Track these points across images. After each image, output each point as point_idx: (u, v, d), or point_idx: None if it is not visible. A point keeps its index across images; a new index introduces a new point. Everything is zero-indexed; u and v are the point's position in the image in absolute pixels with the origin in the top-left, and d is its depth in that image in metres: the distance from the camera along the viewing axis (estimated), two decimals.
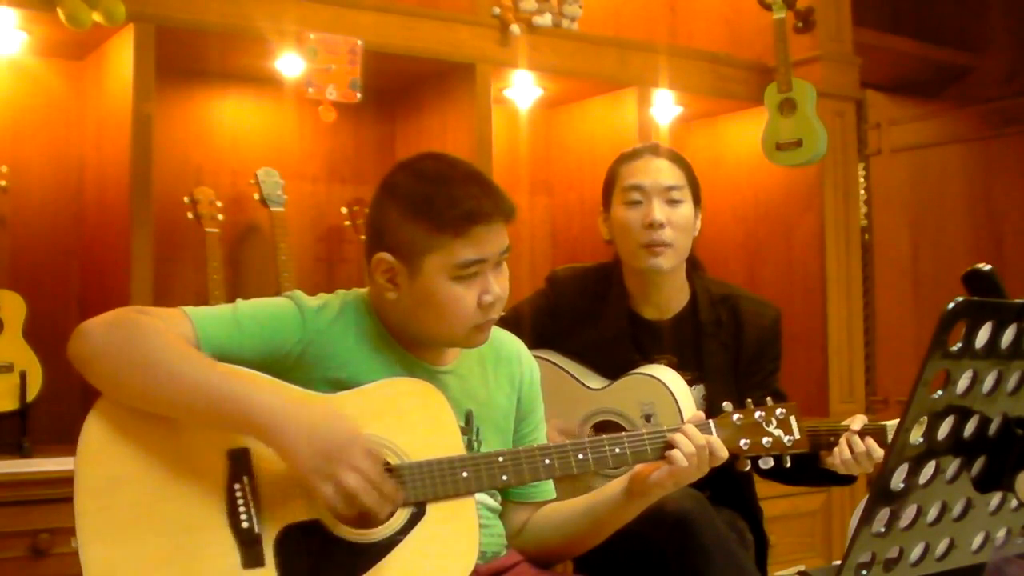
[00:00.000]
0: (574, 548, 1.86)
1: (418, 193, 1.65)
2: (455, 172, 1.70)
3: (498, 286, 1.67)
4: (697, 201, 2.28)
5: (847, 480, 2.08)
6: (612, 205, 2.28)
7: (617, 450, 1.70)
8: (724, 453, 1.73)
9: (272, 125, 3.39)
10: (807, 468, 1.99)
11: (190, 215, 3.04)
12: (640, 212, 2.21)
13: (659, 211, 2.20)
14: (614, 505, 1.77)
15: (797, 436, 1.82)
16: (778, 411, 1.83)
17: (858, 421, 2.01)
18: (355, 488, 1.47)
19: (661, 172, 2.24)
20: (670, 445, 1.71)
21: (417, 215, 1.63)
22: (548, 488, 1.88)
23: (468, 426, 1.76)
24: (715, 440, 1.73)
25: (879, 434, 2.00)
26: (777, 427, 1.81)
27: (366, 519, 1.54)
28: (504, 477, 1.65)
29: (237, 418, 1.50)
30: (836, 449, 1.98)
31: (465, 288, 1.64)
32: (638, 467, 1.73)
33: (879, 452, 1.97)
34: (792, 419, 1.83)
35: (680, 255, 2.24)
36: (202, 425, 1.54)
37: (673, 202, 2.22)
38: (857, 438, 1.98)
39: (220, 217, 3.07)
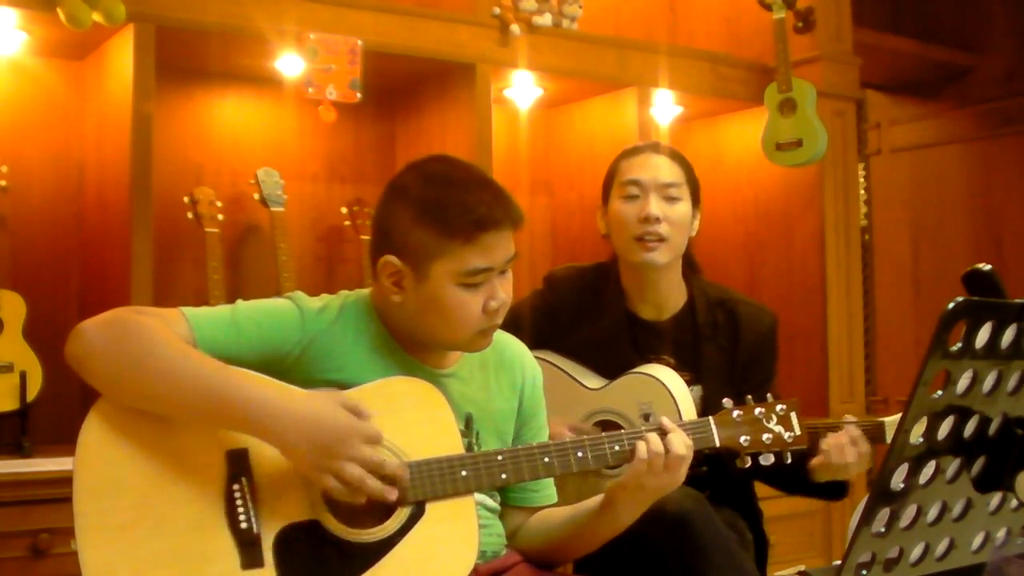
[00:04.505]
0: (560, 555, 1.85)
1: (428, 197, 1.65)
2: (466, 177, 1.69)
3: (503, 292, 1.67)
4: (696, 201, 2.28)
5: (834, 493, 2.09)
6: (610, 199, 2.28)
7: (616, 447, 1.70)
8: (682, 450, 1.68)
9: (272, 125, 3.39)
10: (797, 477, 2.00)
11: (190, 215, 3.04)
12: (636, 206, 2.21)
13: (655, 206, 2.20)
14: (590, 515, 1.76)
15: (798, 432, 1.82)
16: (779, 407, 1.82)
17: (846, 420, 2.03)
18: (357, 478, 1.49)
19: (660, 168, 2.24)
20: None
21: (427, 220, 1.63)
22: (549, 493, 1.88)
23: (468, 429, 1.76)
24: (673, 442, 1.68)
25: (877, 430, 2.01)
26: (778, 423, 1.81)
27: (375, 506, 1.53)
28: (504, 476, 1.65)
29: (235, 415, 1.50)
30: (830, 436, 2.00)
31: (471, 294, 1.64)
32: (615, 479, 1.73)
33: (866, 447, 1.98)
34: (793, 415, 1.83)
35: (675, 251, 2.24)
36: (200, 423, 1.53)
37: (670, 199, 2.22)
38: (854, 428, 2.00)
39: (220, 217, 3.07)
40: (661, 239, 2.19)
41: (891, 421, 2.05)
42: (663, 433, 1.70)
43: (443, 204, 1.63)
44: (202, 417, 1.53)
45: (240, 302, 1.68)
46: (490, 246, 1.63)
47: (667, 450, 1.68)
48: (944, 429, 1.17)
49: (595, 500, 1.77)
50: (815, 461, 2.03)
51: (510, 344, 1.88)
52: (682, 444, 1.69)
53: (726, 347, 2.25)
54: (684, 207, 2.24)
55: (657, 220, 2.19)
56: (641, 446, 1.68)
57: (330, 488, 1.50)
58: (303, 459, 1.49)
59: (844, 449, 2.00)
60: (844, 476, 2.05)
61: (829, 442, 2.00)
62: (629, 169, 2.26)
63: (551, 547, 1.82)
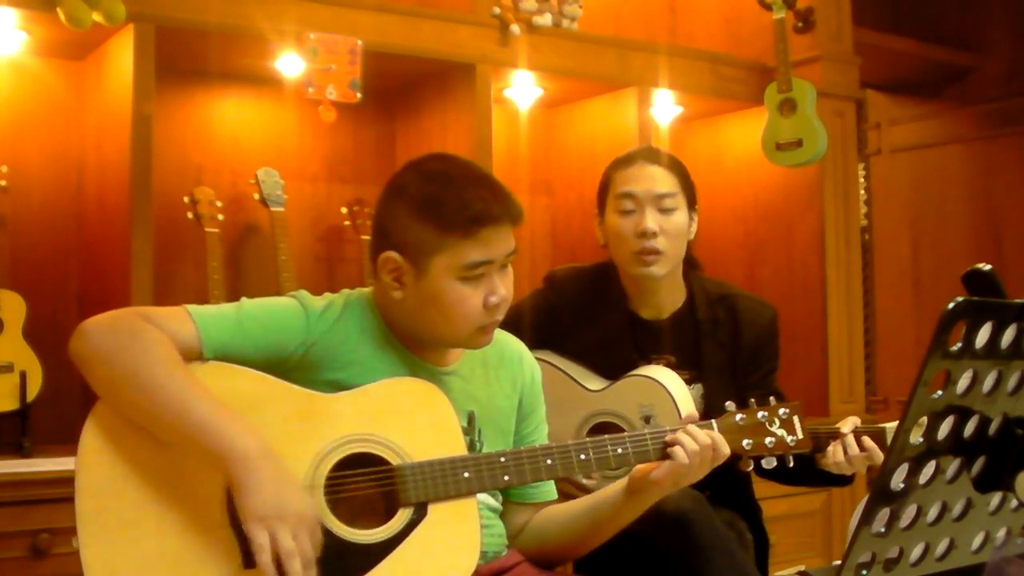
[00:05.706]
0: (574, 549, 1.86)
1: (427, 194, 1.65)
2: (464, 174, 1.70)
3: (503, 288, 1.68)
4: (692, 205, 2.27)
5: (844, 480, 2.09)
6: (606, 211, 2.28)
7: (619, 450, 1.71)
8: (726, 450, 1.74)
9: (272, 125, 3.39)
10: (804, 469, 2.00)
11: (190, 215, 3.04)
12: (632, 221, 2.21)
13: (651, 220, 2.19)
14: (614, 504, 1.76)
15: (800, 436, 1.82)
16: (781, 411, 1.82)
17: (848, 423, 2.01)
18: (287, 551, 1.43)
19: (654, 180, 2.23)
20: (672, 443, 1.71)
21: (426, 216, 1.63)
22: (549, 489, 1.88)
23: (470, 427, 1.76)
24: (718, 437, 1.73)
25: (877, 436, 2.00)
26: (780, 427, 1.81)
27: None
28: (506, 477, 1.65)
29: (211, 451, 1.47)
30: (829, 450, 1.99)
31: (471, 289, 1.65)
32: (639, 465, 1.73)
33: (880, 455, 1.97)
34: (795, 419, 1.83)
35: (673, 261, 2.24)
36: (178, 448, 1.52)
37: (665, 210, 2.21)
38: (852, 440, 1.98)
39: (220, 217, 3.07)
40: (658, 252, 2.19)
41: (891, 428, 2.05)
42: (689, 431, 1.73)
43: (441, 200, 1.63)
44: (181, 444, 1.51)
45: (244, 300, 1.67)
46: (489, 240, 1.64)
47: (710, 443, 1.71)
48: (944, 429, 1.17)
49: (615, 491, 1.77)
50: (820, 464, 2.03)
51: (510, 342, 1.89)
52: (709, 437, 1.73)
53: (727, 343, 2.25)
54: (680, 216, 2.23)
55: (654, 234, 2.18)
56: (687, 441, 1.69)
57: (256, 544, 1.43)
58: (253, 504, 1.44)
59: (843, 467, 2.00)
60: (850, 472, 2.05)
61: (828, 461, 2.00)
62: (623, 181, 2.24)
63: (566, 541, 1.83)
